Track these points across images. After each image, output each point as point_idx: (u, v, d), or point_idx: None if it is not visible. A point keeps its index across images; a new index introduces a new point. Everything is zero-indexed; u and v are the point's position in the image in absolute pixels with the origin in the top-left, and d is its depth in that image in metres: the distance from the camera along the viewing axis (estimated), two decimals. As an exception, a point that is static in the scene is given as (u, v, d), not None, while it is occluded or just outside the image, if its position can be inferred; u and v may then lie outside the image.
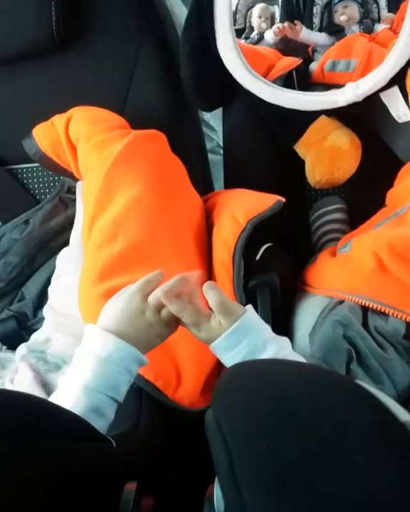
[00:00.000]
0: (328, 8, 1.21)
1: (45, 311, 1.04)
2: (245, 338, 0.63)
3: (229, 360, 0.64)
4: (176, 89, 1.14)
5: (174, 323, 0.66)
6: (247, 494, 0.32)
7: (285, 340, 0.67)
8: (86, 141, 1.01)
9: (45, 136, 1.07)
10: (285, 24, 1.20)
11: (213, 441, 0.37)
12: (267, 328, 0.67)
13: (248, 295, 0.87)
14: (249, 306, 0.68)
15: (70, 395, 0.59)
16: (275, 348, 0.64)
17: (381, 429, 0.35)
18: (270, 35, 1.24)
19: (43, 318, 1.04)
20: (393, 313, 0.78)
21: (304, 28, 1.20)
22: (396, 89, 1.03)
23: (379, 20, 1.21)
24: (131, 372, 0.62)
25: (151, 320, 0.63)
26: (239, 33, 1.27)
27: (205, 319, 0.64)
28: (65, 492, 0.39)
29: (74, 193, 1.15)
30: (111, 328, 0.62)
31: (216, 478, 0.38)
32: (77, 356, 0.62)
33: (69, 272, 1.04)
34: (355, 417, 0.36)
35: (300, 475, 0.32)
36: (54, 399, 0.60)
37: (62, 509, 0.38)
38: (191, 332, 0.66)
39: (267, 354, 0.63)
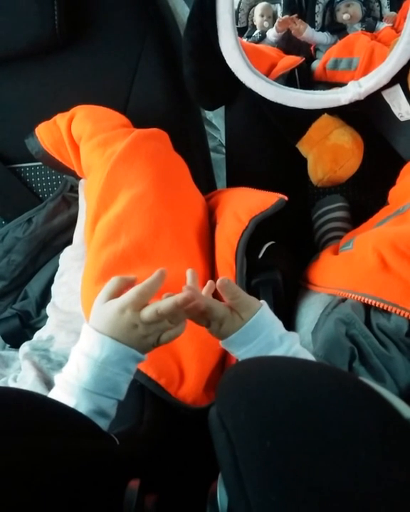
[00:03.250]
0: (330, 7, 1.21)
1: (49, 309, 1.04)
2: (264, 331, 0.63)
3: (244, 353, 0.64)
4: (178, 88, 1.14)
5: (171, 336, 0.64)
6: (251, 491, 0.32)
7: (295, 335, 0.67)
8: (88, 140, 1.00)
9: (47, 134, 1.07)
10: (288, 17, 1.21)
11: (217, 438, 0.37)
12: (280, 322, 0.67)
13: (250, 293, 0.87)
14: (263, 301, 0.67)
15: (69, 397, 0.58)
16: (289, 342, 0.64)
17: (386, 426, 0.35)
18: (272, 34, 1.24)
19: (46, 317, 1.04)
20: (395, 311, 0.78)
21: (307, 27, 1.20)
22: (398, 88, 1.04)
23: (381, 19, 1.21)
24: (130, 371, 0.61)
25: (144, 333, 0.60)
26: (241, 31, 1.27)
27: (230, 314, 0.64)
28: (68, 490, 0.38)
29: (77, 192, 1.15)
30: (105, 334, 0.60)
31: (220, 475, 0.38)
32: (74, 355, 0.61)
33: (72, 270, 1.04)
34: (359, 414, 0.36)
35: (304, 472, 0.32)
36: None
37: (66, 507, 0.38)
38: (211, 328, 0.64)
39: (283, 348, 0.63)
